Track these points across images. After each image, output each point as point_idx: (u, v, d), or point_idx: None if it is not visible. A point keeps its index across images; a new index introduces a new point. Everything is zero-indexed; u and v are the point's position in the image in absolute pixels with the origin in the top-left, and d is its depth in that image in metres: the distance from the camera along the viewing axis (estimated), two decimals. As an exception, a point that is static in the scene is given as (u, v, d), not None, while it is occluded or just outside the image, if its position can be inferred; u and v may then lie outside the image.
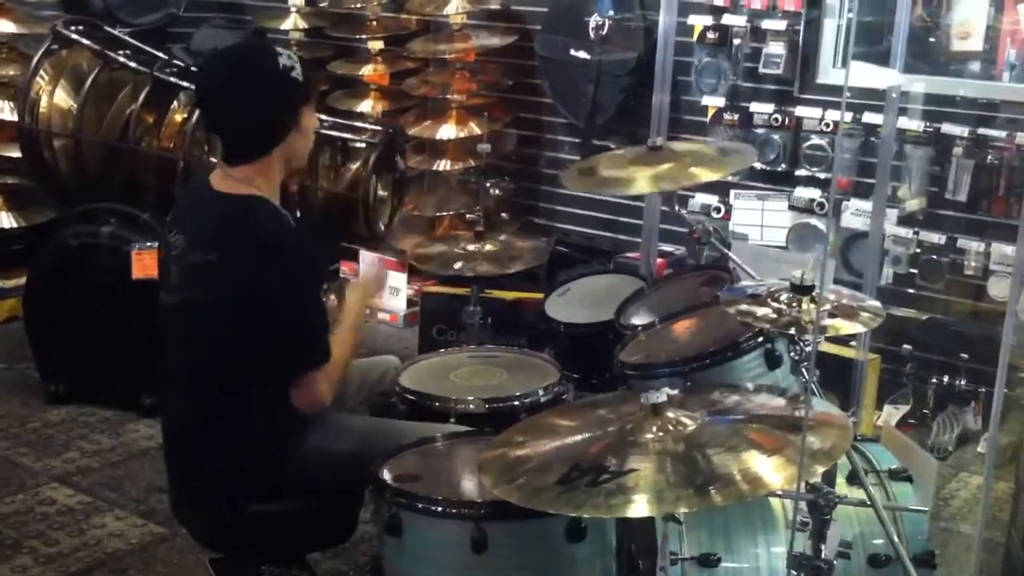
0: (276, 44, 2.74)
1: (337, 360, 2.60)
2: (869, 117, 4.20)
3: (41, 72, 4.46)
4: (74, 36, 4.50)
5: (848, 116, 4.25)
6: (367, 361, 3.07)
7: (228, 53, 2.83)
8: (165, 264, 2.65)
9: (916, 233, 4.22)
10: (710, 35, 4.59)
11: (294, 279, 2.52)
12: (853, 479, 2.41)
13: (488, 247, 3.57)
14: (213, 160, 4.38)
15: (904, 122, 4.12)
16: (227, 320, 2.49)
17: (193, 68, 4.57)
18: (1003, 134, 4.03)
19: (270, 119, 2.57)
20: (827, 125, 4.38)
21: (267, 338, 2.49)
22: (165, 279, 2.65)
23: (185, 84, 4.43)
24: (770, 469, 1.90)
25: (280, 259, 2.49)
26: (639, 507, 1.86)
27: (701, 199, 4.66)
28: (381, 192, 4.57)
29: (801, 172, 4.45)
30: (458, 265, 3.52)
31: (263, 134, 2.57)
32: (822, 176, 4.40)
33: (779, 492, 2.17)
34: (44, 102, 4.46)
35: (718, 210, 4.61)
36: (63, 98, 4.49)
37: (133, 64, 4.47)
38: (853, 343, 3.92)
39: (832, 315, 2.35)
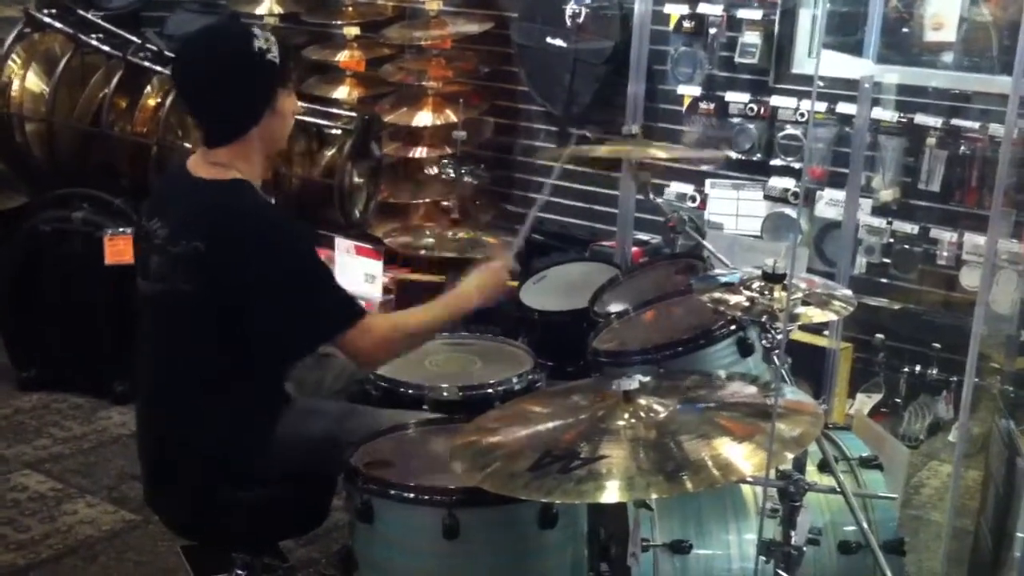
0: (253, 26, 2.71)
1: (395, 320, 2.61)
2: (843, 107, 4.22)
3: (13, 56, 4.43)
4: (47, 19, 4.47)
5: (822, 106, 4.26)
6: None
7: (203, 34, 2.81)
8: (144, 252, 2.60)
9: (889, 223, 4.24)
10: (686, 24, 4.58)
11: (293, 256, 2.49)
12: (824, 466, 2.43)
13: (462, 234, 3.57)
14: (187, 145, 4.36)
15: (878, 112, 4.14)
16: (216, 308, 2.47)
17: (167, 52, 4.54)
18: (976, 125, 4.05)
19: (244, 101, 2.55)
20: (802, 115, 4.38)
21: (269, 322, 2.46)
22: (143, 268, 2.61)
23: (158, 69, 4.40)
24: (741, 456, 1.91)
25: (275, 241, 2.47)
26: (610, 493, 1.86)
27: (677, 188, 4.66)
28: (356, 179, 4.57)
29: (776, 162, 4.46)
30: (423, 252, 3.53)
31: (238, 116, 2.55)
32: (797, 166, 4.41)
33: (750, 479, 2.18)
34: (16, 86, 4.43)
35: (693, 199, 4.62)
36: (35, 82, 4.46)
37: (106, 48, 4.44)
38: (826, 332, 3.94)
39: (804, 303, 2.36)
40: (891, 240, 4.25)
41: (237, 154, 2.56)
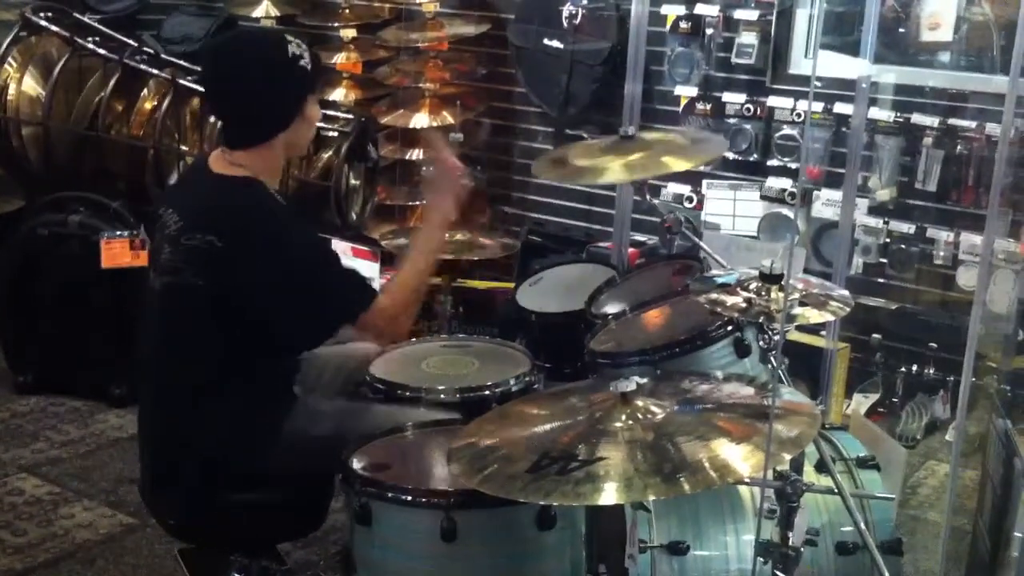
0: (286, 32, 2.72)
1: (392, 301, 2.59)
2: (840, 107, 4.22)
3: (9, 59, 4.43)
4: (43, 23, 4.47)
5: (819, 106, 4.26)
6: (346, 347, 3.06)
7: (237, 38, 2.82)
8: (156, 242, 2.61)
9: (886, 223, 4.24)
10: (683, 25, 4.58)
11: (296, 257, 2.50)
12: (821, 467, 2.42)
13: (459, 235, 3.57)
14: (184, 148, 4.36)
15: (874, 112, 4.14)
16: (220, 306, 2.47)
17: (164, 56, 4.54)
18: (972, 124, 4.05)
19: (274, 107, 2.56)
20: (799, 115, 4.39)
21: (273, 322, 2.48)
22: (154, 257, 2.62)
23: (155, 72, 4.40)
24: (739, 457, 1.91)
25: (278, 241, 2.48)
26: (608, 495, 1.86)
27: (674, 189, 4.66)
28: (353, 181, 4.56)
29: (773, 162, 4.46)
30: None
31: (266, 121, 2.56)
32: (794, 166, 4.41)
33: (747, 480, 2.18)
34: (12, 90, 4.43)
35: (690, 200, 4.62)
36: (32, 86, 4.46)
37: (102, 51, 4.44)
38: (823, 332, 3.94)
39: (801, 304, 2.36)
40: (888, 240, 4.25)
41: (259, 158, 2.57)
